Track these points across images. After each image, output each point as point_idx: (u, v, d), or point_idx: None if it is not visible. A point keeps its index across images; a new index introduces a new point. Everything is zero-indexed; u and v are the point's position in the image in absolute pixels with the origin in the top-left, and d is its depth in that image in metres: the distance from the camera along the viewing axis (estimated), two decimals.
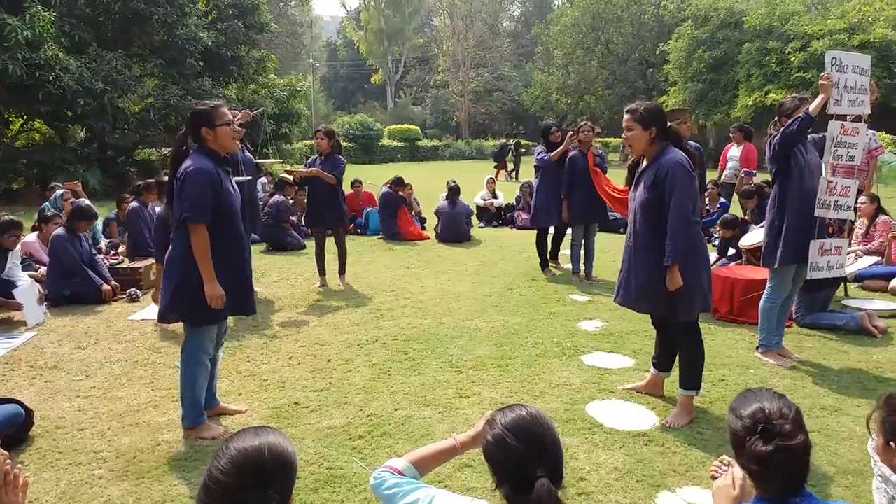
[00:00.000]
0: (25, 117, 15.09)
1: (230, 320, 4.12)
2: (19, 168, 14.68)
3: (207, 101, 3.47)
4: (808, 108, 4.18)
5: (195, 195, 3.22)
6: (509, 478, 1.56)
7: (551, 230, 7.63)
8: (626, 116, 3.56)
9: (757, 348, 4.69)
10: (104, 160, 15.31)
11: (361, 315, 5.80)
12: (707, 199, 9.85)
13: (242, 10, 18.36)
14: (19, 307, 5.50)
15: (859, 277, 6.71)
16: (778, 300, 4.56)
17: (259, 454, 1.49)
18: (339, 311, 5.96)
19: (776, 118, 4.50)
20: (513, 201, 11.79)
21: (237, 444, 1.51)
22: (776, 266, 4.43)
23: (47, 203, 7.99)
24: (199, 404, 3.48)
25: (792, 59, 22.36)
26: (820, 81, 4.25)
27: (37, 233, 7.06)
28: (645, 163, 3.60)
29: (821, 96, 4.20)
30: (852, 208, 4.58)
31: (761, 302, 4.62)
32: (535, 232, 7.56)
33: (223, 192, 3.33)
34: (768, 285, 4.60)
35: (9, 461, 1.98)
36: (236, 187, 3.54)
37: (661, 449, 3.31)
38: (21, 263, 6.11)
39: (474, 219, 10.80)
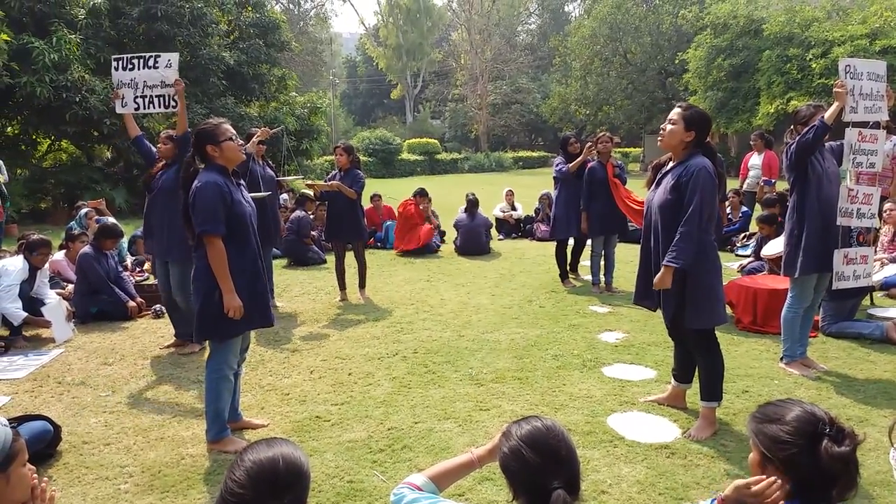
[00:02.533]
0: (53, 138, 15.40)
1: (252, 334, 4.17)
2: (47, 188, 14.98)
3: (210, 121, 3.54)
4: (823, 117, 4.14)
5: (207, 209, 3.28)
6: (526, 489, 1.57)
7: (571, 241, 7.62)
8: (675, 109, 3.54)
9: (781, 359, 4.63)
10: (130, 179, 15.54)
11: (381, 329, 5.83)
12: (729, 208, 9.78)
13: (263, 30, 18.64)
14: (48, 324, 5.61)
15: (885, 286, 6.60)
16: (800, 309, 4.50)
17: (274, 465, 1.52)
18: (360, 324, 6.00)
19: (792, 126, 4.47)
20: (532, 213, 11.79)
21: (251, 455, 1.55)
22: (797, 275, 4.38)
23: (74, 222, 8.16)
24: (222, 418, 3.53)
25: (813, 65, 22.11)
26: (834, 89, 4.22)
27: (64, 251, 7.20)
28: (671, 164, 3.59)
29: (835, 104, 4.17)
30: (875, 216, 4.52)
31: (783, 312, 4.56)
32: (555, 243, 7.55)
33: (235, 204, 3.39)
34: (790, 295, 4.55)
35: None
36: (249, 199, 3.60)
37: (684, 462, 3.28)
38: (49, 281, 6.23)
39: (493, 231, 10.81)
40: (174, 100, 5.17)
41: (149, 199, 5.28)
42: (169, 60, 5.16)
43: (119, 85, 5.24)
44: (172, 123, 15.51)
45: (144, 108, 5.28)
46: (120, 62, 5.23)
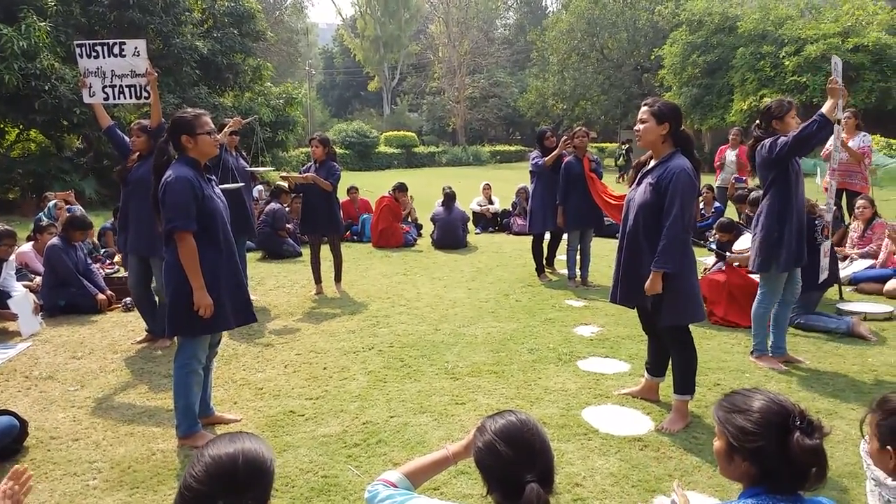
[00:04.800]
0: (21, 127, 15.04)
1: None
2: (15, 178, 14.64)
3: (189, 110, 3.48)
4: (821, 112, 4.14)
5: (178, 204, 3.22)
6: (500, 483, 1.57)
7: (547, 236, 7.64)
8: (642, 108, 3.55)
9: (751, 352, 4.69)
10: (100, 169, 15.24)
11: (357, 322, 5.80)
12: (702, 203, 9.88)
13: (238, 19, 18.38)
14: (14, 317, 5.49)
15: (854, 280, 6.72)
16: (770, 305, 4.55)
17: (233, 461, 1.48)
18: (335, 318, 5.96)
19: (760, 121, 4.48)
20: (509, 207, 11.81)
21: (211, 450, 1.50)
22: (779, 272, 4.41)
23: (43, 213, 7.98)
24: (192, 413, 3.48)
25: (786, 63, 22.44)
26: (830, 86, 4.24)
27: (32, 243, 7.05)
28: (652, 163, 3.59)
29: (831, 100, 4.18)
30: (833, 209, 4.72)
31: (754, 307, 4.62)
32: (531, 238, 7.57)
33: (206, 199, 3.33)
34: (760, 291, 4.60)
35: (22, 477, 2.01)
36: (220, 194, 3.54)
37: (657, 454, 3.32)
38: (16, 273, 6.10)
39: (470, 225, 10.81)
40: (146, 90, 5.02)
41: (124, 193, 5.14)
42: (136, 48, 4.97)
43: (86, 73, 5.07)
44: (144, 113, 15.27)
45: (114, 98, 5.11)
46: (83, 48, 5.05)
